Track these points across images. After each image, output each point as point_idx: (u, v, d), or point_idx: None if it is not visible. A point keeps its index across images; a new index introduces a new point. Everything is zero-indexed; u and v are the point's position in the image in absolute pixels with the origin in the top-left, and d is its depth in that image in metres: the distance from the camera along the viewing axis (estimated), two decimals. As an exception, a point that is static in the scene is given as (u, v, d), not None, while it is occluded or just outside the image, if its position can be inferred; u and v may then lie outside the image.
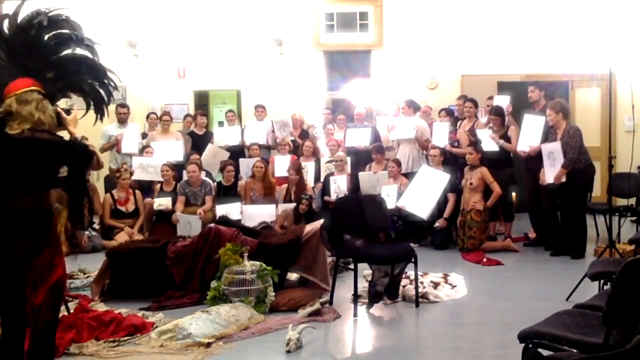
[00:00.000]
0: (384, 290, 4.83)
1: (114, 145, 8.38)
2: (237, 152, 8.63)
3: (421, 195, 7.02)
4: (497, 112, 7.17)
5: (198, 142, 8.60)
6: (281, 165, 8.08)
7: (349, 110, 9.05)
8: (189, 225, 7.08)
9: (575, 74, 9.59)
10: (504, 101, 7.69)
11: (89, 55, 3.47)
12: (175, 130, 8.92)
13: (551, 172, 6.32)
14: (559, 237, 6.60)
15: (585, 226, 6.52)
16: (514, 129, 7.09)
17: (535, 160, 6.64)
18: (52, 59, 3.40)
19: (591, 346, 2.61)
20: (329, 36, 10.11)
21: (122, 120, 8.51)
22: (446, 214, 7.04)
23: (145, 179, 7.97)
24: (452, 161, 7.55)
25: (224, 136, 8.82)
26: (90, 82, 3.48)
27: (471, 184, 6.87)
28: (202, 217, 7.21)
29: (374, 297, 4.75)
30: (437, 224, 7.01)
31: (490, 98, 8.11)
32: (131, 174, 7.81)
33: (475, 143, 7.10)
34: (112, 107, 8.99)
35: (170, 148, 8.32)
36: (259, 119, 8.97)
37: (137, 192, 7.77)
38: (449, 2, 9.85)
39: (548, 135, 6.53)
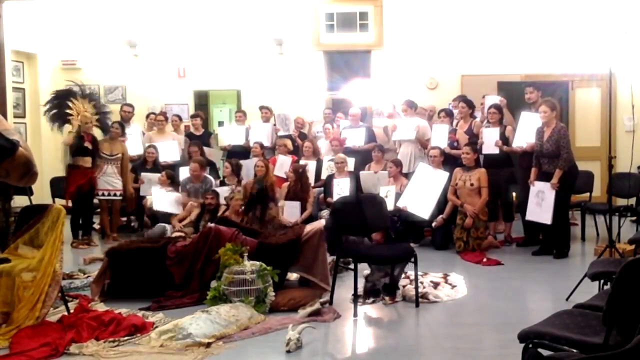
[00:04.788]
0: (382, 288, 4.83)
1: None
2: (241, 153, 8.56)
3: (421, 194, 7.01)
4: (496, 106, 7.23)
5: (196, 143, 8.57)
6: (282, 165, 8.07)
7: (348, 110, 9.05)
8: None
9: (575, 74, 9.58)
10: (494, 101, 7.68)
11: None
12: (171, 131, 8.93)
13: (537, 212, 6.38)
14: (544, 237, 6.64)
15: (569, 226, 6.63)
16: (510, 129, 7.10)
17: (530, 157, 6.66)
18: None
19: (591, 346, 2.61)
20: (329, 36, 10.11)
21: (126, 120, 8.51)
22: (445, 214, 7.03)
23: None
24: (452, 162, 7.54)
25: (229, 135, 8.77)
26: None
27: (472, 184, 6.85)
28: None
29: (371, 293, 4.74)
30: (434, 223, 6.99)
31: (484, 97, 8.10)
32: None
33: (472, 144, 7.09)
34: (116, 107, 9.09)
35: (167, 148, 8.36)
36: (265, 121, 8.94)
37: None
38: (449, 2, 9.86)
39: (535, 135, 6.51)
